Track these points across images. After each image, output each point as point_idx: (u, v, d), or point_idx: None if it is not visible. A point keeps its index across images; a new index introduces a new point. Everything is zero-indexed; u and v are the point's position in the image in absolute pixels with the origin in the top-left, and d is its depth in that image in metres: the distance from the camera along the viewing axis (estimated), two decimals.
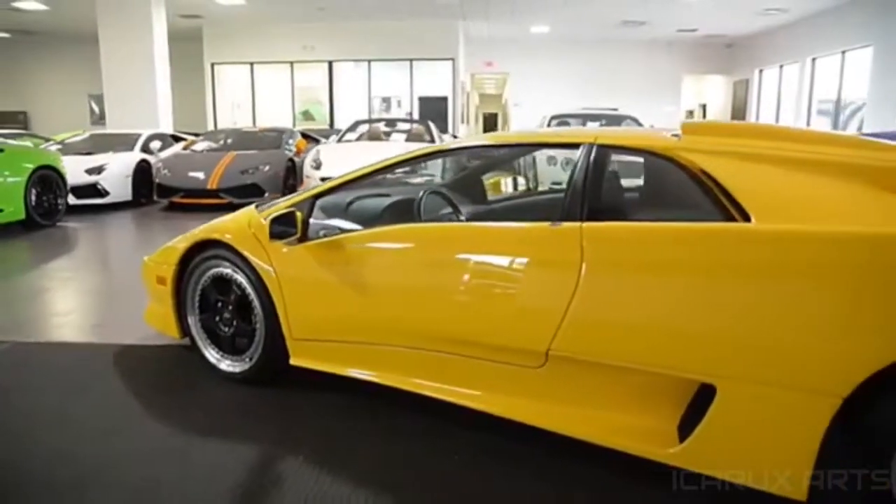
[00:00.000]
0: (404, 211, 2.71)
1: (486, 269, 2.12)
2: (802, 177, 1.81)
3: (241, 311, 2.72)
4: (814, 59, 15.68)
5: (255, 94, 17.09)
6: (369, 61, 16.78)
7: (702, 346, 1.72)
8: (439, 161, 4.43)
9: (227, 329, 2.78)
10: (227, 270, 2.72)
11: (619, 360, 1.85)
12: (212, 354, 2.82)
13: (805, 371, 1.58)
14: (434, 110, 17.08)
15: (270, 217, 2.43)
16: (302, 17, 15.31)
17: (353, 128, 10.23)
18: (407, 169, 3.54)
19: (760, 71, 18.46)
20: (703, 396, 1.73)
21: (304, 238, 2.51)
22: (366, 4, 14.07)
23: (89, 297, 4.61)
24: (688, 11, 14.97)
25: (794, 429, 1.60)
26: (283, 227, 2.41)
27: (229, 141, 9.90)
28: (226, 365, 2.78)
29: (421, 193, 2.61)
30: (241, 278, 2.67)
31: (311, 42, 16.16)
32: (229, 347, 2.78)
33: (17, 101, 18.79)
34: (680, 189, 1.97)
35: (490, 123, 33.14)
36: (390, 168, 2.55)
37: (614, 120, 10.19)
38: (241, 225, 2.72)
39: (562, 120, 10.25)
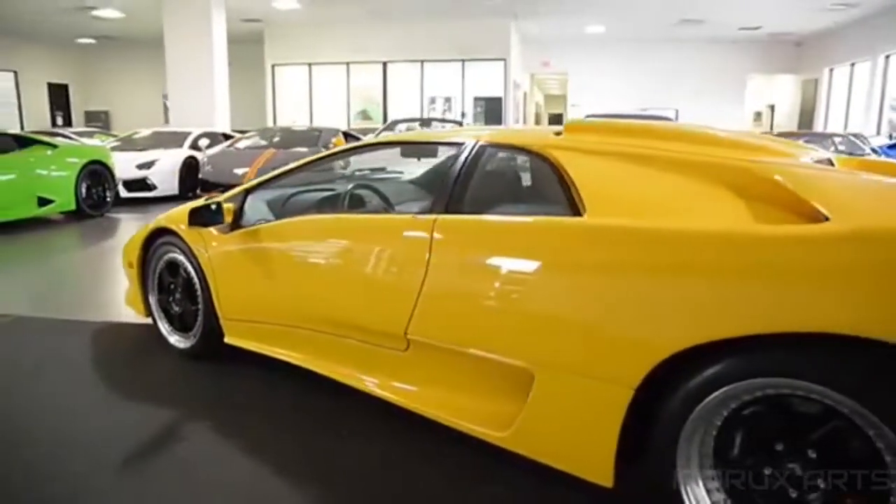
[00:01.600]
0: (334, 203, 2.93)
1: (360, 257, 2.30)
2: (646, 174, 1.88)
3: (187, 292, 3.01)
4: (887, 57, 14.83)
5: (312, 94, 17.75)
6: (422, 62, 17.11)
7: (520, 333, 1.83)
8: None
9: (177, 308, 3.08)
10: (177, 256, 3.01)
11: (460, 345, 1.99)
12: (165, 329, 3.14)
13: (601, 361, 1.66)
14: (489, 110, 17.27)
15: (189, 208, 2.71)
16: (356, 19, 15.81)
17: (390, 127, 10.54)
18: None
19: (831, 70, 17.58)
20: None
21: (236, 227, 2.78)
22: (416, 6, 14.39)
23: (108, 279, 5.07)
24: (747, 9, 14.48)
25: (596, 417, 1.66)
26: (201, 217, 2.67)
27: (275, 139, 10.41)
28: (174, 340, 3.09)
29: (349, 187, 2.82)
30: (186, 263, 2.96)
31: (366, 43, 16.64)
32: (179, 324, 3.08)
33: (100, 102, 20.28)
34: (544, 184, 2.08)
35: (555, 124, 32.88)
36: (304, 168, 2.79)
37: (655, 122, 10.04)
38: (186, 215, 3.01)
39: None
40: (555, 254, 1.80)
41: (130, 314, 3.47)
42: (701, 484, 1.59)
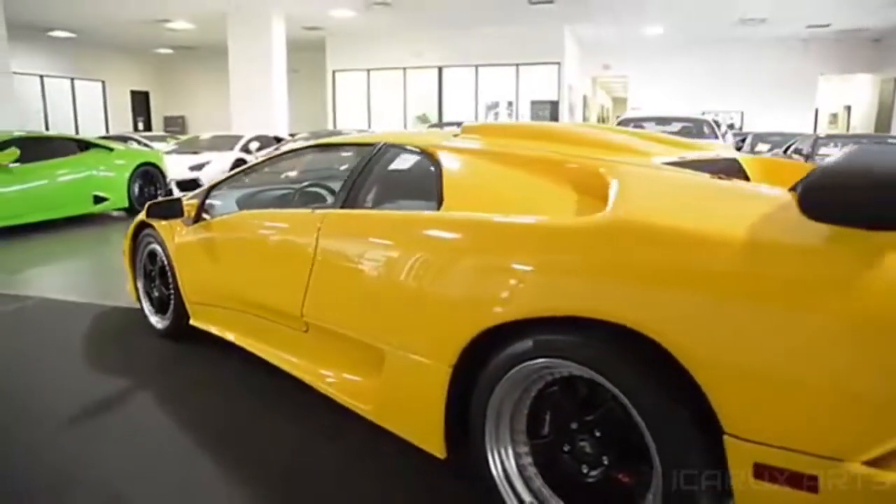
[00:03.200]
0: (286, 200, 3.22)
1: (273, 247, 2.58)
2: (500, 171, 2.05)
3: (162, 278, 3.37)
4: None
5: (370, 99, 18.31)
6: (476, 66, 17.32)
7: (371, 316, 2.05)
8: None
9: (157, 293, 3.45)
10: (155, 246, 3.38)
11: (336, 326, 2.22)
12: (148, 311, 3.52)
13: (424, 340, 1.84)
14: (547, 114, 17.29)
15: (148, 203, 3.06)
16: (411, 25, 16.22)
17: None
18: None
19: None
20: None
21: (198, 221, 3.10)
22: (470, 12, 14.62)
23: None
24: (812, 6, 13.87)
25: (426, 392, 1.83)
26: (158, 211, 3.02)
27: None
28: (154, 320, 3.46)
29: (298, 186, 3.10)
30: (161, 252, 3.31)
31: (422, 49, 17.02)
32: (158, 307, 3.45)
33: (178, 107, 21.65)
34: (427, 181, 2.27)
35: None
36: (256, 167, 3.09)
37: (693, 124, 9.86)
38: None
39: (636, 124, 10.09)
40: (399, 244, 2.01)
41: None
42: (512, 458, 1.74)
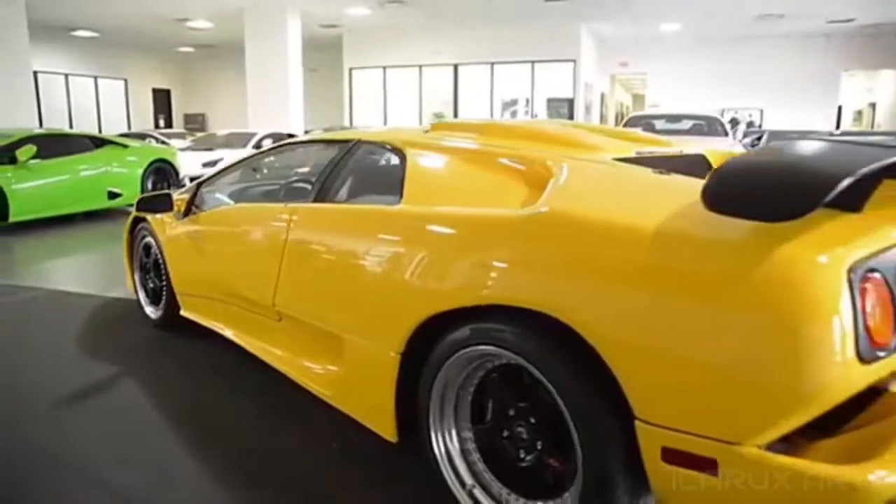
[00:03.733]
0: (273, 196, 3.31)
1: (251, 240, 2.67)
2: (458, 166, 2.12)
3: (156, 270, 3.48)
4: None
5: (386, 96, 18.42)
6: (492, 64, 17.33)
7: (331, 305, 2.13)
8: None
9: (151, 284, 3.57)
10: (149, 239, 3.50)
11: (304, 315, 2.31)
12: (143, 301, 3.64)
13: (376, 329, 1.92)
14: (565, 111, 17.25)
15: (137, 198, 3.17)
16: (427, 23, 16.27)
17: None
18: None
19: None
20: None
21: (187, 215, 3.21)
22: (485, 9, 14.65)
23: None
24: (832, 0, 13.65)
25: (378, 378, 1.90)
26: (146, 206, 3.13)
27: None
28: (149, 310, 3.59)
29: (285, 182, 3.19)
30: (154, 245, 3.43)
31: (437, 46, 17.08)
32: (153, 297, 3.57)
33: (198, 105, 22.00)
34: (394, 176, 2.34)
35: None
36: (245, 162, 3.20)
37: (705, 122, 9.80)
38: None
39: (646, 122, 10.05)
40: (356, 237, 2.09)
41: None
42: (456, 442, 1.80)
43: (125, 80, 19.97)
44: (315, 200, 2.42)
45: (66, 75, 18.08)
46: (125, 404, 2.65)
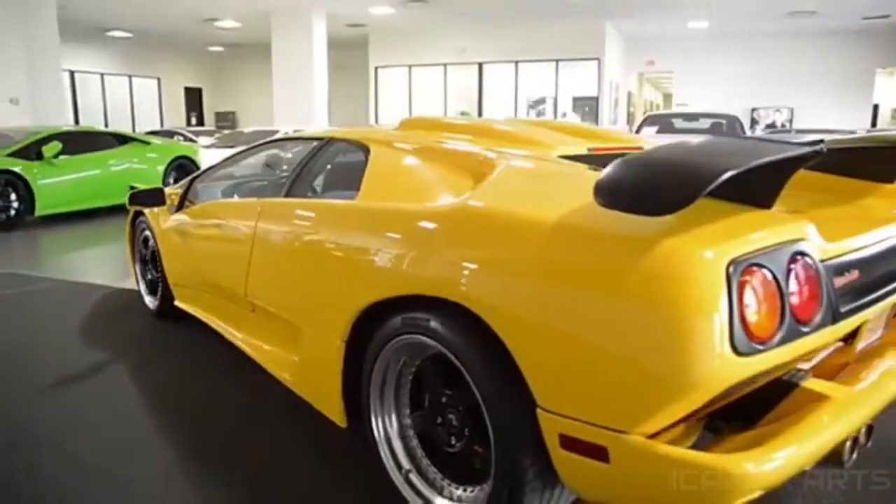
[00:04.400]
0: (262, 191, 3.43)
1: (228, 233, 2.78)
2: (413, 162, 2.18)
3: (153, 261, 3.63)
4: None
5: (411, 95, 18.54)
6: (516, 62, 17.31)
7: (287, 295, 2.25)
8: None
9: (150, 275, 3.72)
10: (147, 232, 3.65)
11: (268, 305, 2.41)
12: (142, 291, 3.80)
13: (324, 317, 2.00)
14: (591, 110, 17.16)
15: (130, 192, 3.31)
16: (451, 22, 16.34)
17: None
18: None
19: None
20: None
21: (181, 208, 3.34)
22: (509, 8, 14.66)
23: None
24: None
25: (326, 365, 1.98)
26: (138, 200, 3.26)
27: None
28: (148, 300, 3.75)
29: (274, 177, 3.30)
30: (151, 238, 3.58)
31: (462, 45, 17.14)
32: (151, 288, 3.72)
33: (229, 103, 22.43)
34: (358, 173, 2.42)
35: None
36: (233, 159, 3.31)
37: (726, 120, 9.66)
38: None
39: (664, 121, 9.95)
40: (311, 230, 2.19)
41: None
42: (395, 427, 1.87)
43: (158, 79, 20.49)
44: (286, 195, 2.52)
45: (102, 75, 18.63)
46: (113, 389, 2.79)
